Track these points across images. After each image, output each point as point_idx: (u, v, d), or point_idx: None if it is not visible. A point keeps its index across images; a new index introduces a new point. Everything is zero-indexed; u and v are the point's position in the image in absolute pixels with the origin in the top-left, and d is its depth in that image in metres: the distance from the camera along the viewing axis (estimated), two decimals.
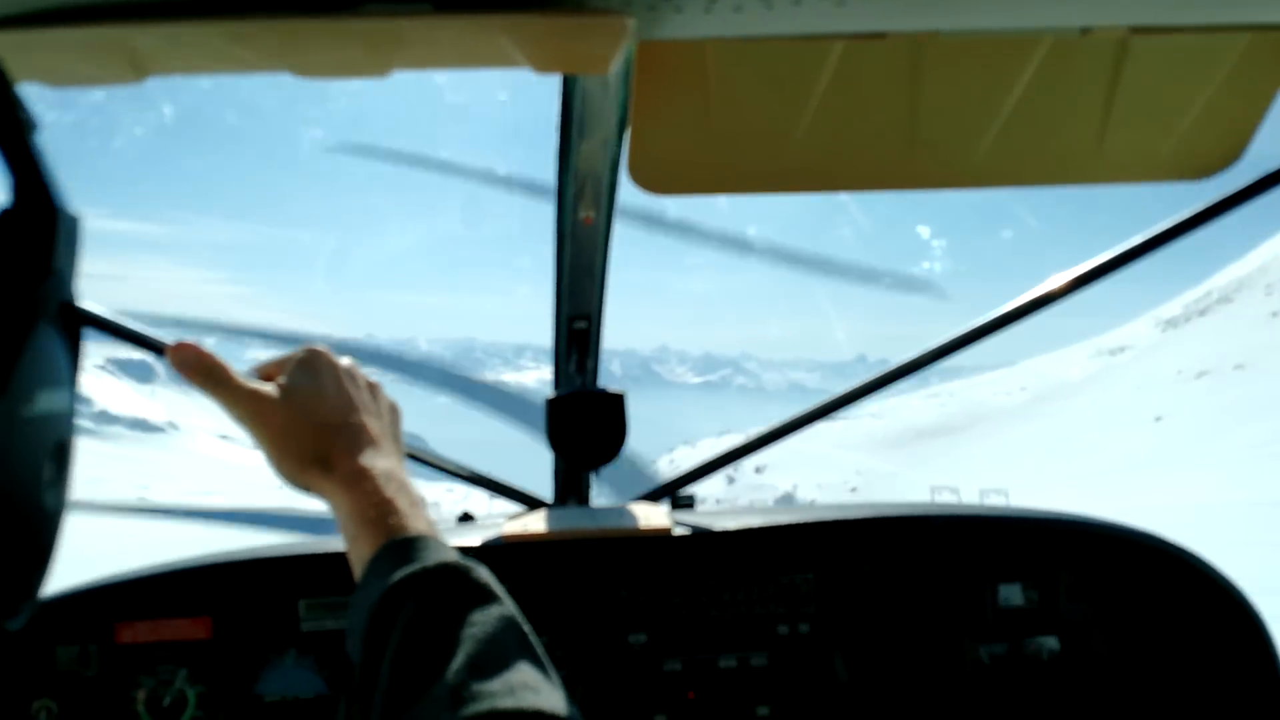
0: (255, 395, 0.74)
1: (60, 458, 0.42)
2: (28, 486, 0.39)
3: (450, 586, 0.64)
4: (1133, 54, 0.97)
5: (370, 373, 0.84)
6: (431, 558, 0.65)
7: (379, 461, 0.74)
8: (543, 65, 0.67)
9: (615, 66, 0.68)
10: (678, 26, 0.66)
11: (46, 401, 0.39)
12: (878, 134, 1.04)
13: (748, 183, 1.10)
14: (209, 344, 0.75)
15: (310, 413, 0.75)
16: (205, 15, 0.58)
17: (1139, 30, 0.92)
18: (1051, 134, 1.07)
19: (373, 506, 0.70)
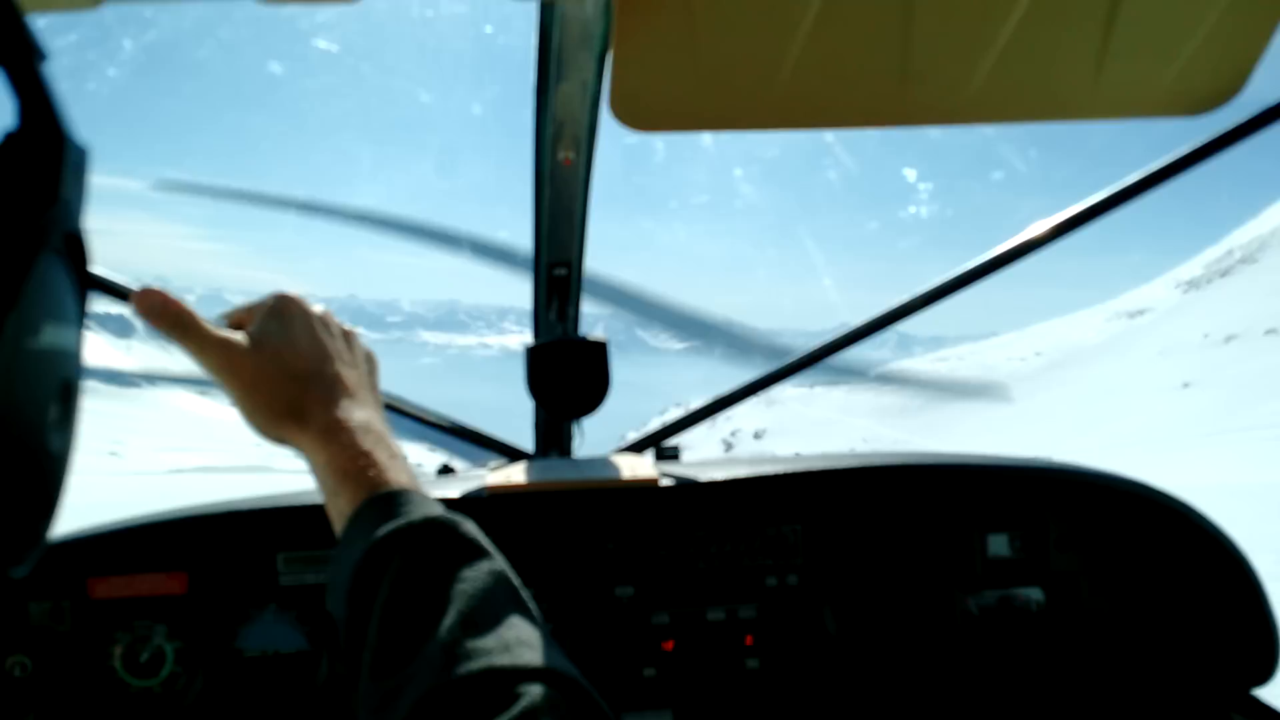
0: (225, 344, 0.70)
1: (66, 398, 0.39)
2: (34, 427, 0.36)
3: (438, 542, 0.61)
4: None
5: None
6: (417, 512, 0.63)
7: (356, 413, 0.71)
8: None
9: None
10: None
11: (53, 336, 0.37)
12: (868, 67, 0.99)
13: (733, 119, 1.04)
14: (190, 300, 0.71)
15: (282, 362, 0.71)
16: None
17: None
18: (1047, 67, 1.02)
19: (350, 460, 0.67)
